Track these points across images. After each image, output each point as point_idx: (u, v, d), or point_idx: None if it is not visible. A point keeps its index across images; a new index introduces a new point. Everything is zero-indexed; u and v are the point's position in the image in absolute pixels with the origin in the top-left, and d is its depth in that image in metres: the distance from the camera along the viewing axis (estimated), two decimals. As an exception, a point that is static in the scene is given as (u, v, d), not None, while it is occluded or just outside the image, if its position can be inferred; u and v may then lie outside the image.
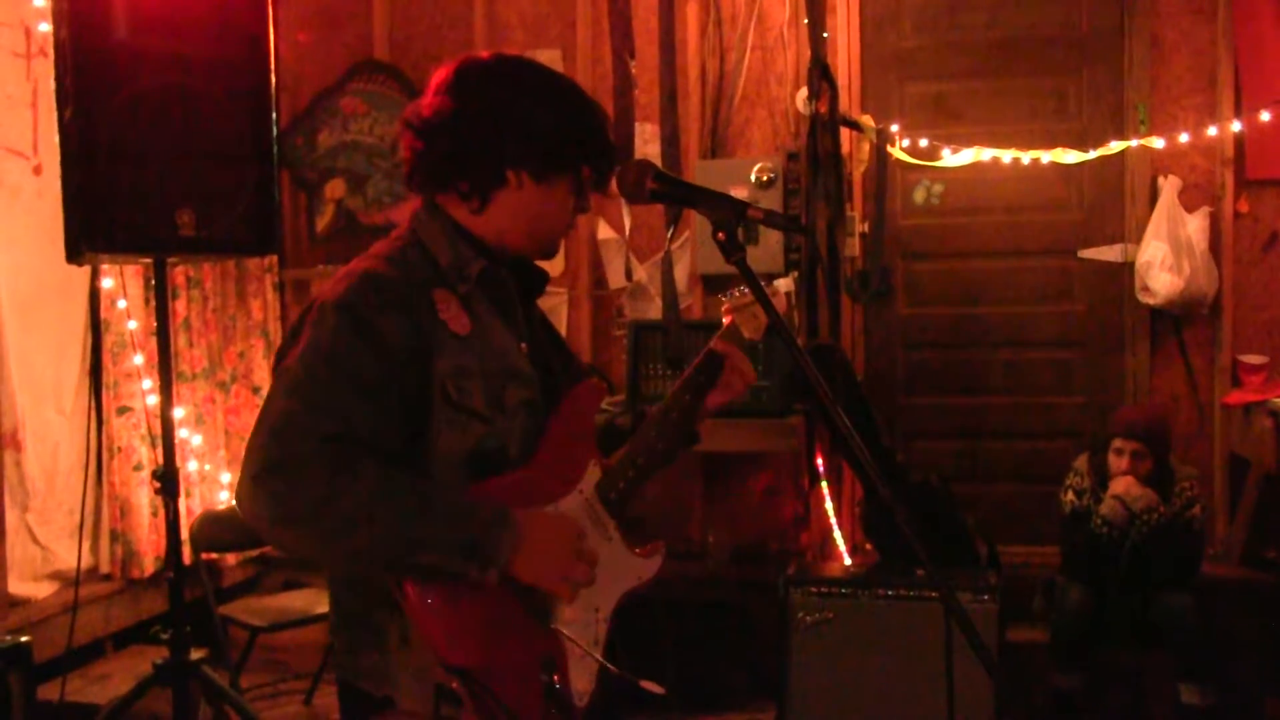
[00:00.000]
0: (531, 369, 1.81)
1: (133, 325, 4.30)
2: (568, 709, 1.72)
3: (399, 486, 1.61)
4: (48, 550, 4.22)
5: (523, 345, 1.82)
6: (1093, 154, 4.61)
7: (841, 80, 4.69)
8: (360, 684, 1.76)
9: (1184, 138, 4.54)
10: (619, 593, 1.83)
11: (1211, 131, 4.52)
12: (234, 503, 1.74)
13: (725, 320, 1.93)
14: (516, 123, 1.77)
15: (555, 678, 1.70)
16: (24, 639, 3.35)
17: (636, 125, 4.43)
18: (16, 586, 4.01)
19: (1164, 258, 4.48)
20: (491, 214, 1.80)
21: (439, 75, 1.81)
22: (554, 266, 5.00)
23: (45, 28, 3.81)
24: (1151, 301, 4.57)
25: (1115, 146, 4.60)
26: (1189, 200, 4.57)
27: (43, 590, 4.17)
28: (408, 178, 1.85)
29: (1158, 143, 4.56)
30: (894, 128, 4.74)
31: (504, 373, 1.75)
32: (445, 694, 1.65)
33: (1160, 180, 4.60)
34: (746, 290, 1.87)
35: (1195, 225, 4.51)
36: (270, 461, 1.57)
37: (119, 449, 4.39)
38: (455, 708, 1.66)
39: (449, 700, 1.66)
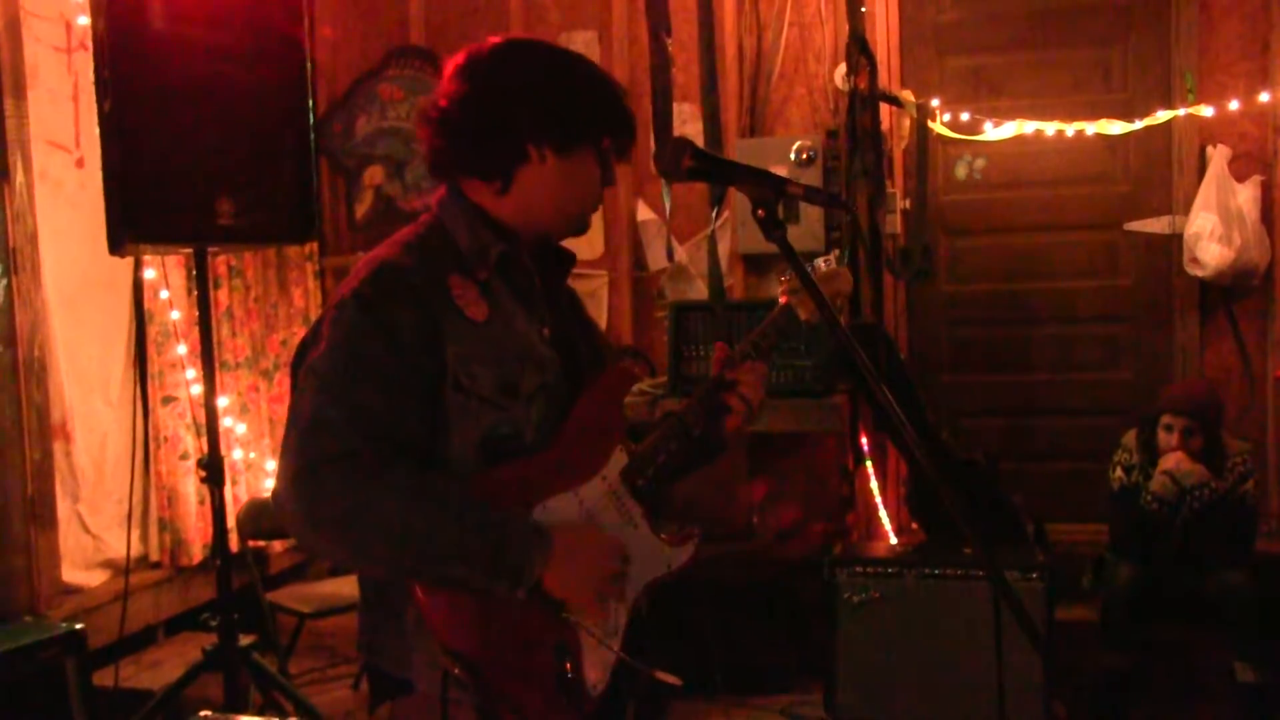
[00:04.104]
0: (552, 354, 1.78)
1: (176, 315, 4.33)
2: (580, 698, 1.70)
3: (431, 497, 1.61)
4: (99, 539, 4.27)
5: (545, 330, 1.80)
6: (1138, 124, 4.53)
7: (880, 55, 4.63)
8: (383, 666, 1.77)
9: (1234, 105, 4.45)
10: (642, 581, 1.79)
11: (1264, 98, 4.43)
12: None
13: (781, 300, 1.88)
14: (533, 97, 1.75)
15: (568, 666, 1.68)
16: (78, 626, 3.41)
17: (675, 105, 4.39)
18: (70, 575, 4.07)
19: (1213, 229, 4.39)
20: (516, 194, 1.78)
21: (450, 65, 1.81)
22: (594, 249, 5.02)
23: (85, 21, 3.84)
24: (1200, 274, 4.49)
25: (1162, 116, 4.52)
26: (1239, 170, 4.48)
27: (95, 578, 4.23)
28: (431, 168, 1.84)
29: (1206, 111, 4.47)
30: (934, 102, 4.68)
31: (520, 358, 1.73)
32: (453, 678, 1.65)
33: (1209, 150, 4.50)
34: (813, 266, 1.85)
35: (1246, 195, 4.42)
36: (300, 466, 1.60)
37: (165, 438, 4.44)
38: (463, 692, 1.66)
39: (457, 684, 1.65)
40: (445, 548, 1.60)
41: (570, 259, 1.93)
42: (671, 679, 1.74)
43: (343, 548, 1.62)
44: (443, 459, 1.69)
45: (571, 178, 1.79)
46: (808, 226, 4.59)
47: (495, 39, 1.84)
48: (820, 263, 1.90)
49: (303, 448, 1.61)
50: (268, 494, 4.63)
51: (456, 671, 1.63)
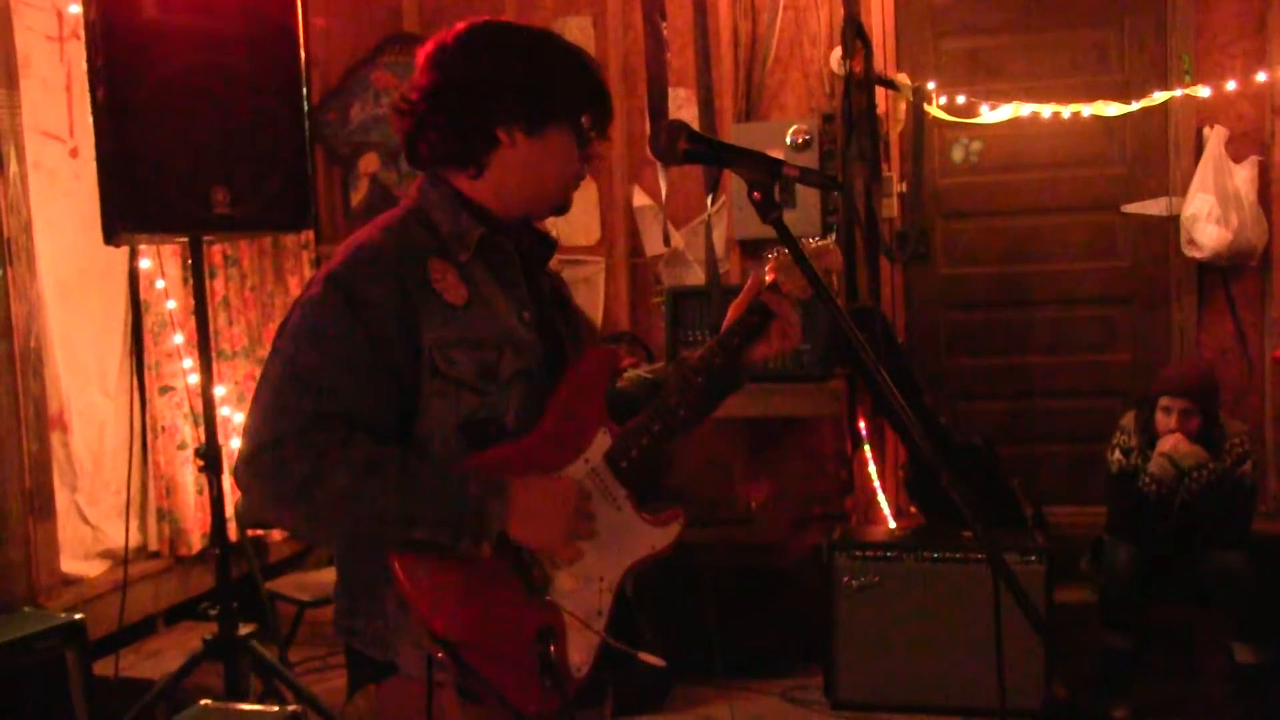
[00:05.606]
0: (532, 338, 1.78)
1: (172, 305, 4.32)
2: (564, 681, 1.70)
3: (386, 464, 1.61)
4: (97, 529, 4.26)
5: (525, 314, 1.80)
6: (1135, 106, 4.53)
7: (876, 38, 4.62)
8: (363, 648, 1.76)
9: (1231, 85, 4.45)
10: (626, 563, 1.79)
11: (1261, 78, 4.42)
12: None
13: (768, 278, 1.87)
14: (499, 82, 1.76)
15: (551, 649, 1.68)
16: (78, 616, 3.41)
17: (670, 90, 4.38)
18: (69, 565, 4.07)
19: (1210, 210, 4.39)
20: (491, 177, 1.79)
21: (421, 54, 1.83)
22: (590, 235, 5.01)
23: (76, 10, 3.82)
24: (1198, 255, 4.49)
25: (1159, 97, 4.52)
26: (1236, 150, 4.47)
27: (94, 569, 4.22)
28: (407, 158, 1.85)
29: (1203, 92, 4.47)
30: (930, 85, 4.67)
31: (500, 342, 1.73)
32: (435, 661, 1.66)
33: (1206, 130, 4.50)
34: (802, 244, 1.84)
35: (1243, 175, 4.42)
36: (259, 443, 1.61)
37: (163, 428, 4.43)
38: (445, 674, 1.67)
39: (440, 666, 1.66)
40: (402, 512, 1.60)
41: (552, 244, 1.94)
42: (656, 661, 1.75)
43: (302, 521, 1.64)
44: (420, 442, 1.69)
45: (545, 158, 1.79)
46: (804, 211, 4.59)
47: (462, 24, 1.83)
48: (779, 251, 1.89)
49: (262, 425, 1.62)
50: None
51: (440, 655, 1.63)
